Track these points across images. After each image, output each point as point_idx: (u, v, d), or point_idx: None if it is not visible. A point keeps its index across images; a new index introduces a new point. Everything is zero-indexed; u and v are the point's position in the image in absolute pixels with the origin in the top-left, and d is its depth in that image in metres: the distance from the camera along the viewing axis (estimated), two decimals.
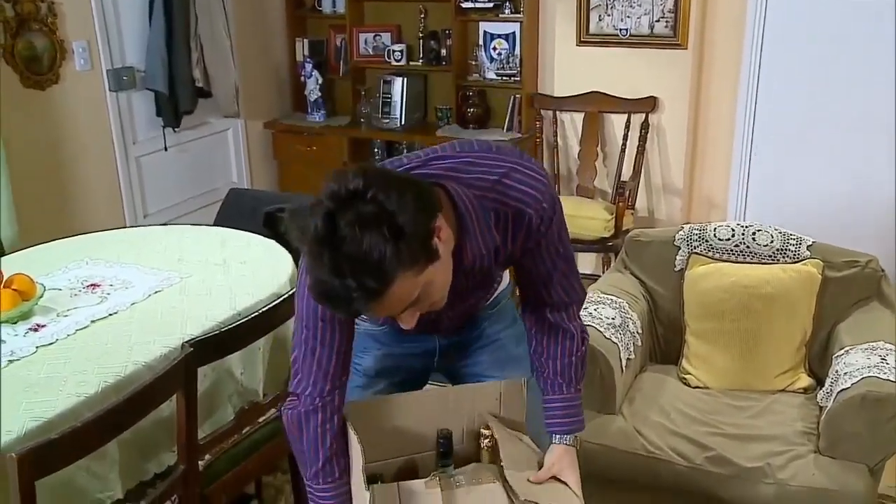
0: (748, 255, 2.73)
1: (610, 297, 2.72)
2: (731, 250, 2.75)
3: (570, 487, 1.67)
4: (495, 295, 1.87)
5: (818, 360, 2.68)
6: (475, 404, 1.72)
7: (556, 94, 4.44)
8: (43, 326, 2.22)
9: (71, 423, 1.72)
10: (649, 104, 4.20)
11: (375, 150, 4.95)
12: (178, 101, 4.20)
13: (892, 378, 2.25)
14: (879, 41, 3.68)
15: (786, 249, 2.71)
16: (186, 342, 1.99)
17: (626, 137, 4.25)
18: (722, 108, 4.14)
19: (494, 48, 4.52)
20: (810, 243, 2.71)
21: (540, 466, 1.69)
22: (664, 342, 2.89)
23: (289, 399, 1.62)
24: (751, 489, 2.29)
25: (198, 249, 2.78)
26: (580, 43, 4.31)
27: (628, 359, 2.59)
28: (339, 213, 1.25)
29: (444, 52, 4.63)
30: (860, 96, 3.79)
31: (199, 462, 2.11)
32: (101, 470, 1.90)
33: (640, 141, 4.21)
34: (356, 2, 4.73)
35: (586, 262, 4.44)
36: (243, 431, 2.27)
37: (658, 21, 4.11)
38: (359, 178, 1.26)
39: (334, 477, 1.61)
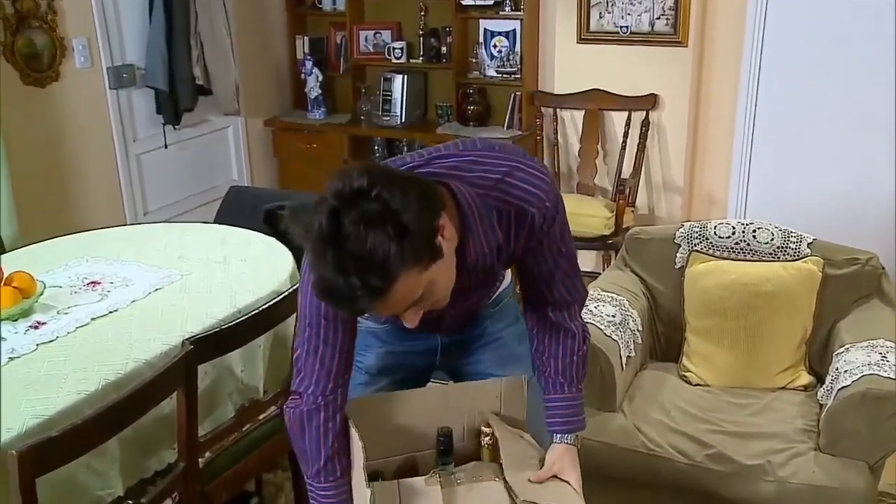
0: (748, 253, 2.73)
1: (610, 294, 2.72)
2: (732, 248, 2.75)
3: (571, 485, 1.67)
4: (497, 293, 1.87)
5: (818, 358, 2.68)
6: (476, 402, 1.72)
7: (556, 92, 4.44)
8: (43, 324, 2.22)
9: (71, 420, 1.73)
10: (650, 102, 4.20)
11: (376, 147, 4.95)
12: (178, 98, 4.19)
13: (892, 376, 2.25)
14: (879, 41, 3.68)
15: (786, 247, 2.71)
16: (187, 339, 1.99)
17: (626, 135, 4.25)
18: (722, 105, 4.14)
19: (495, 45, 4.51)
20: (811, 241, 2.71)
21: (541, 464, 1.69)
22: (664, 340, 2.89)
23: (291, 398, 1.62)
24: (751, 487, 2.29)
25: (198, 247, 2.78)
26: (581, 40, 4.31)
27: (628, 356, 2.59)
28: (343, 211, 1.25)
29: (444, 49, 4.62)
30: (860, 94, 3.79)
31: (200, 459, 2.11)
32: (102, 467, 1.90)
33: (640, 138, 4.21)
34: None
35: (587, 260, 4.44)
36: (244, 429, 2.27)
37: (658, 18, 4.11)
38: (363, 176, 1.26)
39: (335, 476, 1.61)
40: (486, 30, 4.51)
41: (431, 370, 1.96)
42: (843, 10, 3.72)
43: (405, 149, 4.85)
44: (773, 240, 2.72)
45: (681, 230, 2.82)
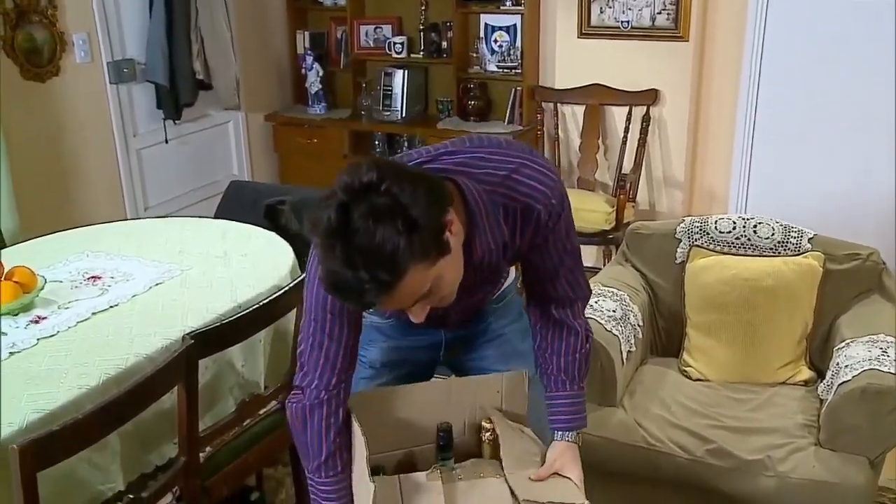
0: (749, 248, 2.73)
1: (611, 289, 2.72)
2: (733, 243, 2.75)
3: (573, 481, 1.67)
4: (502, 289, 1.87)
5: (819, 353, 2.68)
6: (477, 397, 1.72)
7: (557, 87, 4.43)
8: (44, 318, 2.22)
9: (72, 414, 1.73)
10: (650, 97, 4.19)
11: (376, 142, 4.94)
12: (178, 93, 4.19)
13: (892, 371, 2.25)
14: (879, 40, 3.68)
15: (787, 242, 2.70)
16: (187, 334, 1.99)
17: (627, 130, 4.24)
18: (723, 100, 4.13)
19: (495, 40, 4.50)
20: (811, 236, 2.71)
21: (542, 460, 1.69)
22: (665, 335, 2.89)
23: (293, 392, 1.62)
24: (751, 482, 2.30)
25: (198, 242, 2.78)
26: (581, 35, 4.30)
27: (629, 351, 2.59)
28: (352, 205, 1.25)
29: (444, 44, 4.61)
30: (860, 92, 3.79)
31: (201, 454, 2.11)
32: (103, 462, 1.90)
33: (641, 133, 4.20)
34: None
35: (587, 255, 4.43)
36: (244, 424, 2.28)
37: (659, 13, 4.10)
38: (372, 170, 1.27)
39: (336, 471, 1.62)
40: (486, 24, 4.50)
41: (435, 365, 1.96)
42: (844, 6, 3.72)
43: (405, 144, 4.85)
44: (773, 235, 2.72)
45: (681, 225, 2.82)
